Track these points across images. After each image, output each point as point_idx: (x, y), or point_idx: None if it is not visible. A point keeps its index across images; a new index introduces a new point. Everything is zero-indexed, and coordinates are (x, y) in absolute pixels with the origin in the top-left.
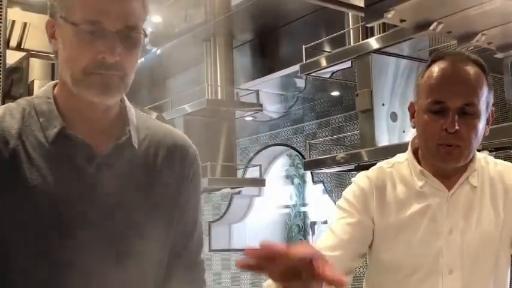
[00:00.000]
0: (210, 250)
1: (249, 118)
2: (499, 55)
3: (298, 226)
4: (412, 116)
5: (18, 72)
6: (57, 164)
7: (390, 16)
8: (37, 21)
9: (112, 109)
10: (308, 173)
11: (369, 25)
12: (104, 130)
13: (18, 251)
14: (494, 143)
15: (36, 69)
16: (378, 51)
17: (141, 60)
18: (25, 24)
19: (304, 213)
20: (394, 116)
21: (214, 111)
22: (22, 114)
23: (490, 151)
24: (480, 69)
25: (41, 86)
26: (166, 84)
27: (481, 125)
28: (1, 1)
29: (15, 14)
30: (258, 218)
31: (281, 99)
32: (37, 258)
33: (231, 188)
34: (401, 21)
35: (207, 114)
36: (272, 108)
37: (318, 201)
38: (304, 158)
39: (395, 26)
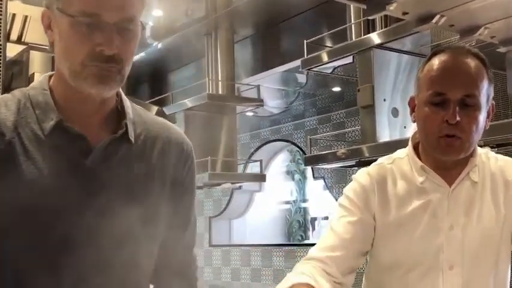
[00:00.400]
0: (211, 245)
1: (249, 113)
2: (502, 49)
3: (299, 222)
4: (413, 111)
5: (19, 65)
6: (53, 156)
7: (392, 8)
8: (38, 15)
9: (109, 102)
10: (309, 169)
11: (370, 17)
12: (100, 123)
13: (14, 243)
14: (496, 139)
15: (37, 62)
16: (379, 46)
17: (142, 55)
18: (26, 17)
19: (305, 209)
20: (395, 112)
21: (215, 106)
22: (17, 105)
23: (492, 147)
24: (480, 62)
25: None
26: (167, 78)
27: (482, 118)
28: None
29: (15, 7)
30: (258, 214)
31: (282, 95)
32: (33, 250)
33: (232, 183)
34: (404, 13)
35: (207, 109)
36: (273, 103)
37: (318, 197)
38: (305, 154)
39: (398, 21)
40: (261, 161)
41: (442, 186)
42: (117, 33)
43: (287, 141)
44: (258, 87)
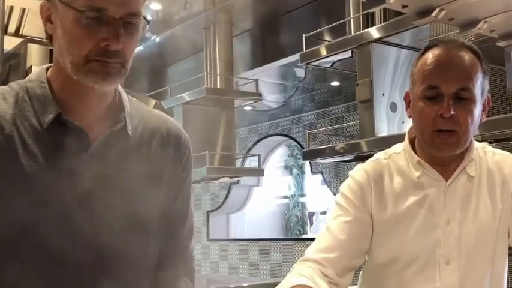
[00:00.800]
0: (208, 240)
1: (248, 107)
2: (501, 43)
3: (297, 216)
4: (408, 106)
5: (16, 58)
6: (52, 150)
7: (392, 1)
8: (36, 7)
9: (108, 95)
10: (307, 164)
11: (370, 10)
12: (98, 116)
13: (13, 237)
14: (495, 134)
15: (34, 55)
16: (378, 40)
17: (140, 48)
18: (23, 10)
19: (303, 203)
20: (394, 106)
21: (213, 100)
22: (15, 98)
23: (490, 142)
24: (474, 55)
25: None
26: (166, 72)
27: (477, 111)
28: None
29: None
30: (256, 208)
31: (280, 89)
32: (32, 244)
33: (230, 178)
34: (403, 6)
35: (206, 103)
36: (271, 97)
37: (316, 192)
38: (303, 148)
39: (397, 15)
40: (259, 155)
41: (438, 181)
42: (122, 27)
43: (285, 135)
44: (256, 81)
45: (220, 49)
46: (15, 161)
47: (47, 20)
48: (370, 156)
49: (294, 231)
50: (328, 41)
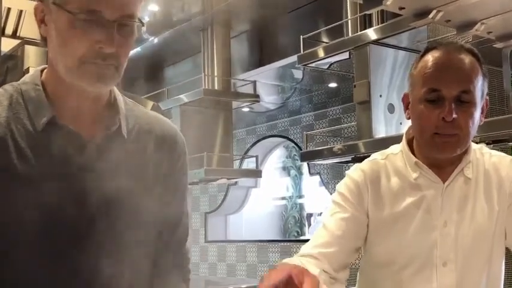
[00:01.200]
0: (206, 241)
1: (245, 109)
2: (498, 45)
3: (295, 218)
4: (406, 108)
5: (14, 59)
6: (46, 153)
7: (389, 3)
8: (33, 9)
9: (102, 97)
10: (305, 165)
11: (367, 12)
12: (93, 118)
13: (9, 241)
14: (492, 135)
15: (32, 56)
16: (376, 42)
17: (137, 50)
18: (21, 11)
19: (301, 204)
20: (391, 108)
21: (211, 102)
22: (10, 101)
23: (488, 143)
24: (474, 57)
25: None
26: (163, 73)
27: (477, 114)
28: None
29: (10, 1)
30: (254, 210)
31: (278, 90)
32: (28, 247)
33: (228, 179)
34: (400, 8)
35: (203, 104)
36: (269, 99)
37: (314, 193)
38: (301, 150)
39: (394, 16)
40: (256, 156)
41: (436, 183)
42: (117, 30)
43: (283, 137)
44: (254, 82)
45: (218, 50)
46: (9, 164)
47: (41, 21)
48: (368, 157)
49: (292, 233)
50: (326, 43)
